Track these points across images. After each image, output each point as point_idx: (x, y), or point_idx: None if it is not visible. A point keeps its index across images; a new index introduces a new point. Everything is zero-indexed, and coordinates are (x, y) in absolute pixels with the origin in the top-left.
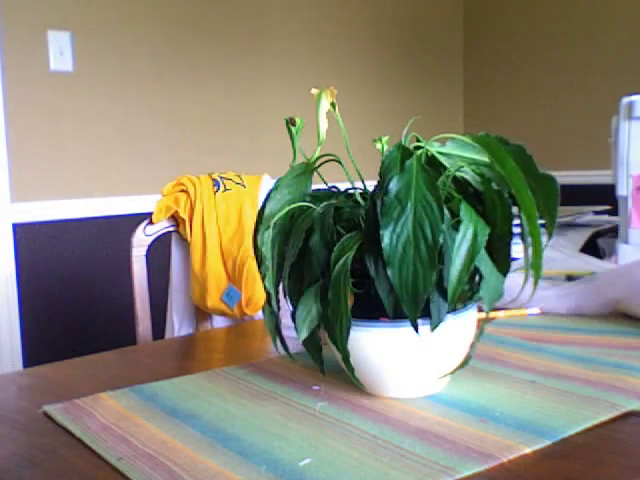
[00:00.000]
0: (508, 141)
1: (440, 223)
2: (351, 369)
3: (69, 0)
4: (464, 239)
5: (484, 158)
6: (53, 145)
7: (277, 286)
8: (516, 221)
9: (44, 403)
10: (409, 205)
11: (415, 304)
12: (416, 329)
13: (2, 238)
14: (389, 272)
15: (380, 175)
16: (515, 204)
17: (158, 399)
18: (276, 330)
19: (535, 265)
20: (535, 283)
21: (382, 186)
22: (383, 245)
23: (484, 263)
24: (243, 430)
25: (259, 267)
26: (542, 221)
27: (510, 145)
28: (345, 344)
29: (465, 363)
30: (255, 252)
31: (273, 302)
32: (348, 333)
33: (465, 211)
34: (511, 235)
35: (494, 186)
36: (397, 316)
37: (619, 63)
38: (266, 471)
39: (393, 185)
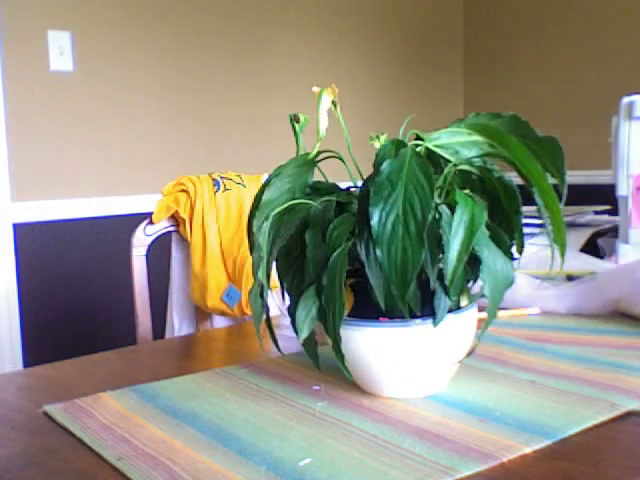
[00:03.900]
0: (499, 113)
1: (430, 201)
2: (341, 357)
3: (69, 0)
4: (461, 220)
5: (481, 138)
6: (53, 145)
7: (269, 277)
8: (525, 220)
9: (44, 403)
10: (400, 184)
11: (404, 284)
12: (407, 313)
13: (2, 238)
14: (378, 252)
15: (374, 166)
16: (523, 186)
17: (158, 399)
18: (266, 323)
19: (559, 238)
20: (562, 255)
21: (375, 170)
22: (372, 223)
23: (487, 249)
24: (243, 430)
25: (251, 252)
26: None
27: (503, 117)
28: (337, 330)
29: (471, 352)
30: (249, 237)
31: (265, 294)
32: (341, 319)
33: (460, 195)
34: (519, 217)
35: (493, 168)
36: (389, 307)
37: (619, 63)
38: (266, 471)
39: (385, 167)
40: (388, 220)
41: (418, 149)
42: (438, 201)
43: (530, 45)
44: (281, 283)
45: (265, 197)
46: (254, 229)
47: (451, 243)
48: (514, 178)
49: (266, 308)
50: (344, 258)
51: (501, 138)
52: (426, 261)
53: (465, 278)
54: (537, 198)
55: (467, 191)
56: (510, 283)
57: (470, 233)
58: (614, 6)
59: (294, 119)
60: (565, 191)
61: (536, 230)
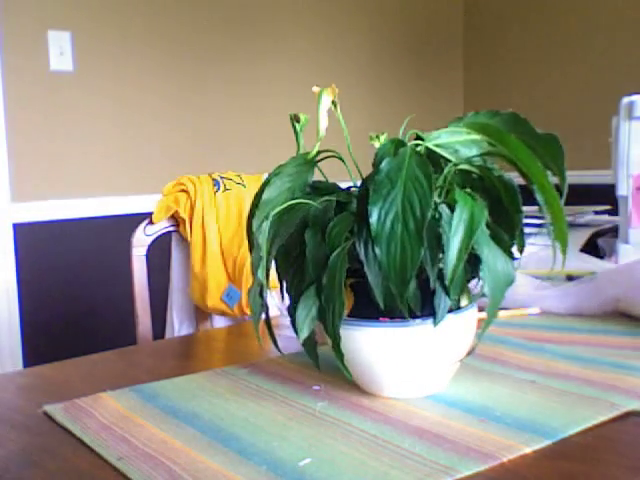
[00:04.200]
0: (498, 111)
1: (430, 199)
2: (341, 356)
3: (69, 0)
4: (461, 219)
5: (481, 137)
6: (53, 145)
7: (269, 277)
8: (525, 220)
9: (44, 403)
10: (399, 182)
11: (403, 282)
12: (406, 312)
13: (2, 238)
14: (377, 250)
15: (374, 165)
16: (523, 186)
17: (158, 399)
18: (265, 322)
19: (560, 236)
20: (563, 253)
21: (374, 169)
22: (371, 221)
23: (487, 247)
24: (243, 430)
25: (251, 251)
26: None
27: (502, 115)
28: (337, 329)
29: (471, 352)
30: (248, 236)
31: (264, 293)
32: (341, 318)
33: (459, 194)
34: (520, 216)
35: (493, 167)
36: (388, 306)
37: (619, 63)
38: (266, 471)
39: (385, 165)
40: (387, 218)
41: (418, 149)
42: (438, 200)
43: (530, 45)
44: (280, 283)
45: (265, 196)
46: (254, 228)
47: (451, 241)
48: (516, 178)
49: (265, 307)
50: (344, 257)
51: (500, 136)
52: (426, 260)
53: (465, 277)
54: (538, 196)
55: (468, 190)
56: (511, 282)
57: (470, 231)
58: (614, 6)
59: (294, 119)
60: (566, 188)
61: (536, 230)
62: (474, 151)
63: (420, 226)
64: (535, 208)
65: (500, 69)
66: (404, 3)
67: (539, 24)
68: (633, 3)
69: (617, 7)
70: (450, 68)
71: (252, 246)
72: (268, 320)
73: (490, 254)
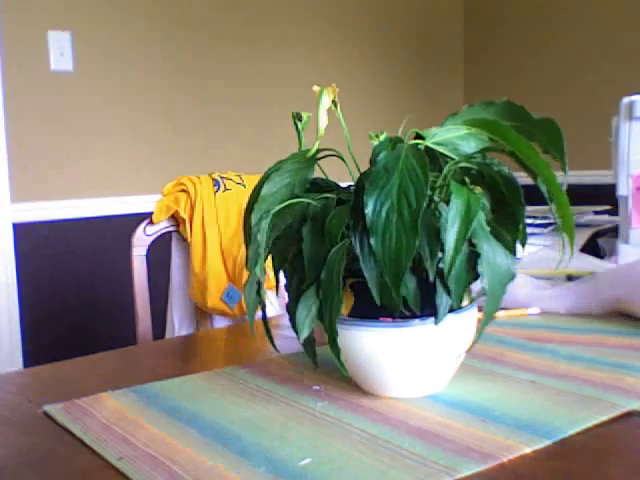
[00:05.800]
0: (493, 101)
1: (425, 189)
2: (337, 352)
3: (69, 0)
4: (457, 210)
5: (479, 131)
6: (53, 145)
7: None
8: (527, 220)
9: (44, 403)
10: (395, 174)
11: (398, 273)
12: (400, 304)
13: (2, 238)
14: (372, 241)
15: (371, 162)
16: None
17: (158, 399)
18: (263, 321)
19: (567, 227)
20: (571, 244)
21: (371, 163)
22: (366, 212)
23: (487, 243)
24: (243, 430)
25: (247, 245)
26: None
27: (497, 104)
28: (334, 324)
29: (471, 347)
30: (245, 230)
31: (262, 291)
32: (338, 313)
33: (454, 186)
34: (522, 209)
35: (492, 162)
36: (384, 301)
37: (619, 63)
38: (266, 471)
39: (381, 158)
40: (382, 208)
41: (418, 147)
42: (437, 199)
43: (530, 45)
44: (277, 281)
45: (264, 191)
46: (252, 222)
47: (448, 232)
48: (519, 178)
49: (263, 305)
50: (343, 253)
51: (500, 131)
52: (425, 257)
53: (466, 275)
54: (542, 188)
55: (466, 182)
56: (511, 277)
57: (467, 221)
58: (614, 6)
59: (296, 117)
60: (566, 176)
61: (536, 230)
62: (473, 144)
63: (415, 216)
64: (535, 208)
65: (500, 69)
66: (404, 2)
67: (540, 24)
68: (634, 3)
69: (618, 6)
70: (450, 68)
71: (248, 240)
72: (265, 319)
73: (489, 249)
